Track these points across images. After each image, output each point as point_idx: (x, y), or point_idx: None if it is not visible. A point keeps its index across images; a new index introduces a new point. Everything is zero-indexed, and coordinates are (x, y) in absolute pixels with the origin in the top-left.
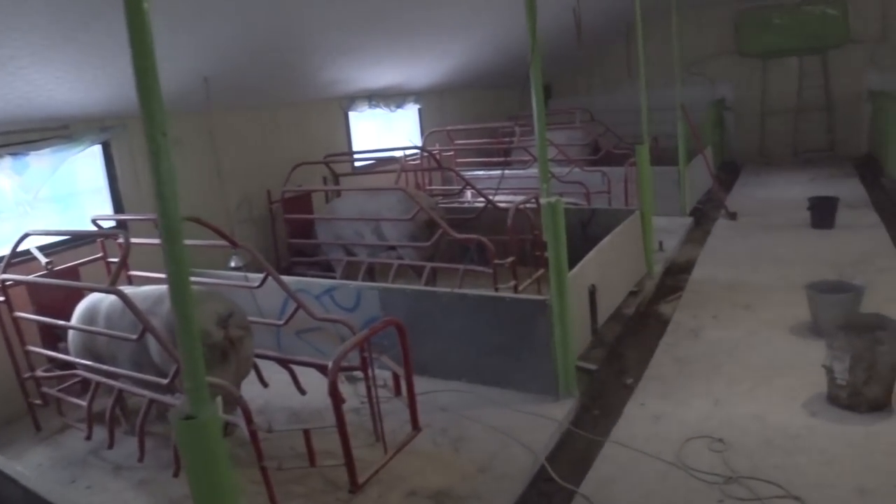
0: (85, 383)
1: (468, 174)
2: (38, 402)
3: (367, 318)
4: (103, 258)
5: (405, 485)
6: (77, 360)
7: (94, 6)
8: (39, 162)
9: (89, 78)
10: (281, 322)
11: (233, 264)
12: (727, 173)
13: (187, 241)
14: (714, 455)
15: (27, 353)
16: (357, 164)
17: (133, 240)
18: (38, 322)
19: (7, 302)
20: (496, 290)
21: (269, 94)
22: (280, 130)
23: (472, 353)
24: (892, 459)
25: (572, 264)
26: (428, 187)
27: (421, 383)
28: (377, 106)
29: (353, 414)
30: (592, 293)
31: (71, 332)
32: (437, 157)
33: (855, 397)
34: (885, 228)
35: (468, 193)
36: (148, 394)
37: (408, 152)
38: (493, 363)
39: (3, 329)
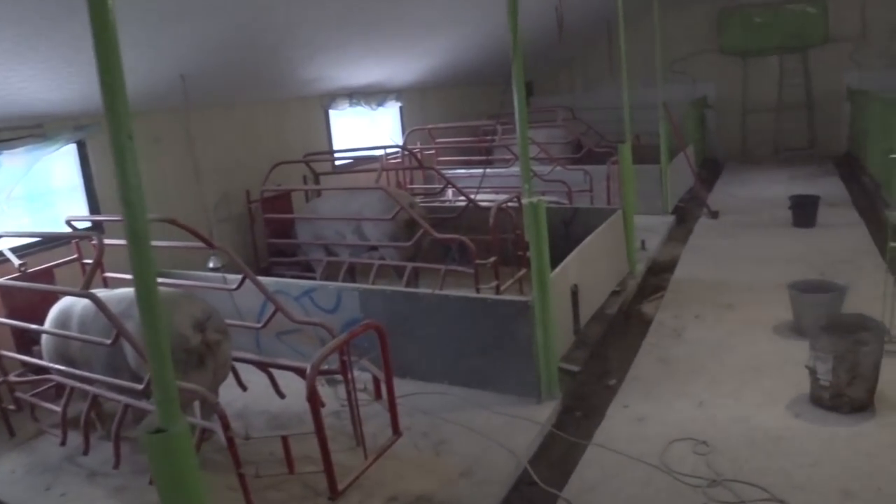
0: (59, 388)
1: (450, 173)
2: (11, 407)
3: (347, 319)
4: (78, 259)
5: (385, 490)
6: (51, 364)
7: (66, 1)
8: (13, 161)
9: (63, 76)
10: (259, 325)
11: (211, 265)
12: (709, 171)
13: (164, 243)
14: (698, 458)
15: (0, 357)
16: (338, 163)
17: (107, 241)
18: (10, 326)
19: None
20: (478, 290)
21: (247, 92)
22: (259, 129)
23: (454, 355)
24: (875, 461)
25: (554, 263)
26: (409, 186)
27: (402, 385)
28: (358, 104)
29: (334, 417)
30: (575, 293)
31: (44, 336)
32: (419, 155)
33: (838, 398)
34: (866, 227)
35: (450, 192)
36: (123, 399)
37: (389, 151)
38: (474, 365)
39: None
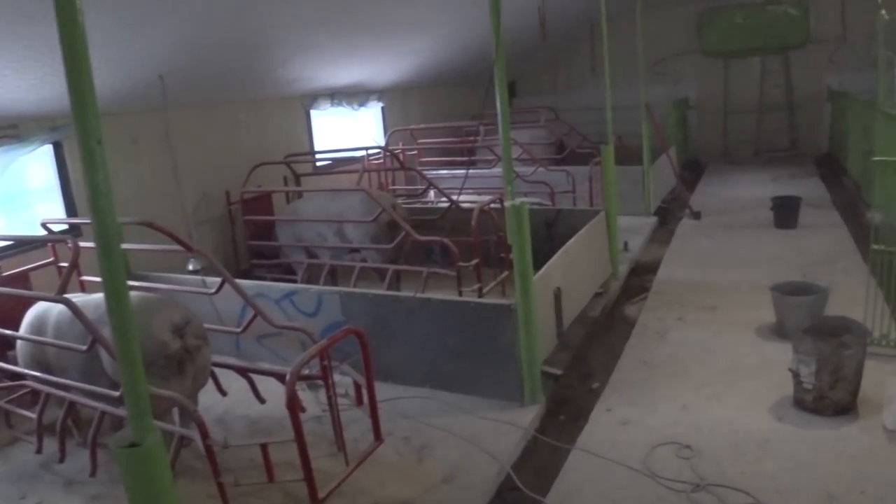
0: (35, 394)
1: (432, 174)
2: None
3: (328, 323)
4: (55, 263)
5: (367, 497)
6: (26, 370)
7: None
8: None
9: (38, 76)
10: (239, 330)
11: (191, 267)
12: (691, 172)
13: (142, 246)
14: (682, 462)
15: None
16: (319, 164)
17: (83, 244)
18: None
19: None
20: (460, 293)
21: (227, 92)
22: (239, 129)
23: (436, 359)
24: (858, 464)
25: (537, 265)
26: (391, 187)
27: (384, 390)
28: (340, 104)
29: (315, 422)
30: (558, 296)
31: (19, 342)
32: (401, 156)
33: (821, 401)
34: (847, 228)
35: (432, 193)
36: (100, 405)
37: (371, 152)
38: (457, 369)
39: None
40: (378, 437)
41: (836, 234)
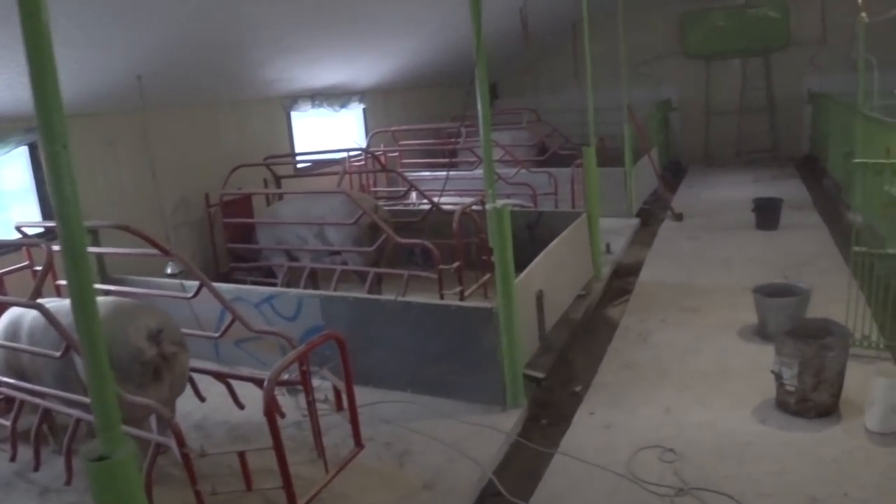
0: (9, 401)
1: (414, 175)
2: None
3: (308, 327)
4: (30, 267)
5: None
6: None
7: None
8: None
9: (13, 75)
10: (217, 335)
11: (169, 271)
12: (673, 174)
13: (119, 250)
14: (665, 466)
15: None
16: (300, 165)
17: (57, 248)
18: None
19: None
20: (442, 296)
21: (206, 93)
22: (219, 131)
23: (417, 363)
24: (841, 467)
25: (519, 267)
26: (373, 189)
27: (365, 394)
28: (320, 105)
29: (295, 428)
30: (540, 299)
31: None
32: (382, 158)
33: (803, 403)
34: (828, 229)
35: (414, 195)
36: (75, 412)
37: (352, 154)
38: (438, 373)
39: None
40: (358, 443)
41: (818, 236)
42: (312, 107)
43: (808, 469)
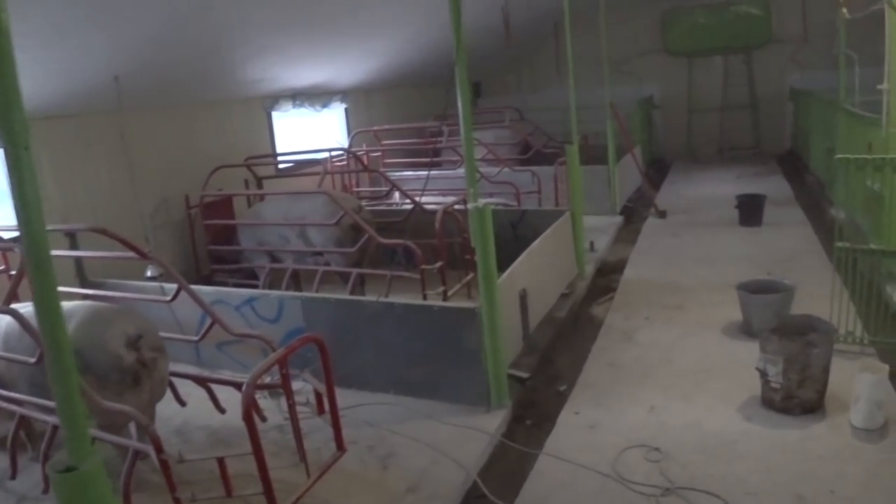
0: None
1: (397, 175)
2: None
3: (289, 329)
4: (6, 271)
5: None
6: None
7: None
8: None
9: None
10: (196, 338)
11: (149, 273)
12: (656, 171)
13: (96, 253)
14: (651, 465)
15: None
16: (281, 166)
17: None
18: None
19: None
20: (425, 296)
21: (185, 94)
22: (199, 131)
23: (400, 364)
24: (826, 464)
25: (503, 266)
26: (355, 189)
27: (347, 397)
28: (302, 105)
29: (277, 431)
30: (523, 298)
31: None
32: (365, 157)
33: (788, 400)
34: (811, 225)
35: (397, 195)
36: (52, 419)
37: (335, 154)
38: (422, 374)
39: None
40: (340, 446)
41: (801, 232)
42: (294, 107)
43: (794, 467)
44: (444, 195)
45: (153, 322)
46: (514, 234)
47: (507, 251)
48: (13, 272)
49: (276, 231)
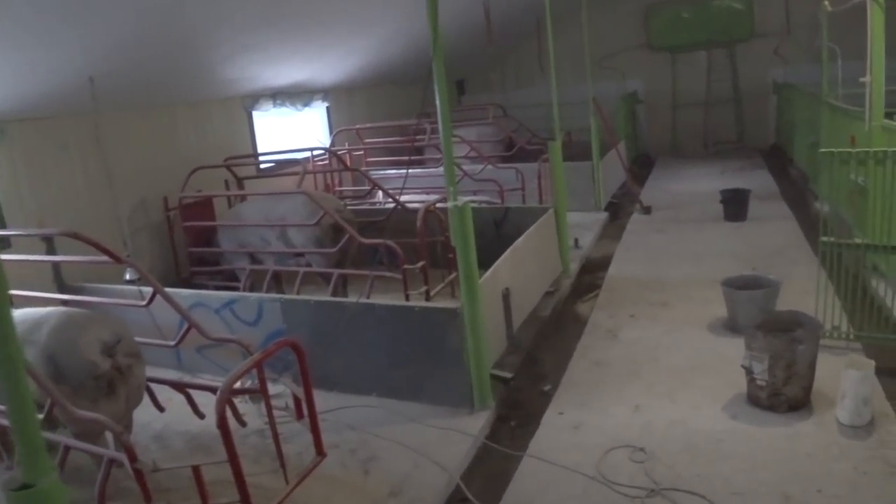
0: None
1: (379, 174)
2: None
3: (269, 331)
4: None
5: None
6: None
7: None
8: None
9: None
10: (173, 343)
11: (128, 277)
12: (640, 167)
13: (70, 257)
14: (636, 466)
15: None
16: (262, 166)
17: (5, 256)
18: None
19: None
20: (407, 296)
21: (163, 94)
22: (177, 132)
23: (382, 366)
24: (813, 463)
25: (486, 264)
26: (338, 189)
27: (329, 399)
28: (282, 105)
29: (257, 436)
30: (506, 297)
31: None
32: (347, 156)
33: (774, 397)
34: (796, 219)
35: (380, 194)
36: None
37: (316, 153)
38: (404, 376)
39: None
40: (320, 451)
41: (786, 226)
42: (274, 106)
43: (780, 466)
44: (427, 193)
45: (131, 326)
46: (498, 232)
47: (491, 249)
48: None
49: (256, 232)
